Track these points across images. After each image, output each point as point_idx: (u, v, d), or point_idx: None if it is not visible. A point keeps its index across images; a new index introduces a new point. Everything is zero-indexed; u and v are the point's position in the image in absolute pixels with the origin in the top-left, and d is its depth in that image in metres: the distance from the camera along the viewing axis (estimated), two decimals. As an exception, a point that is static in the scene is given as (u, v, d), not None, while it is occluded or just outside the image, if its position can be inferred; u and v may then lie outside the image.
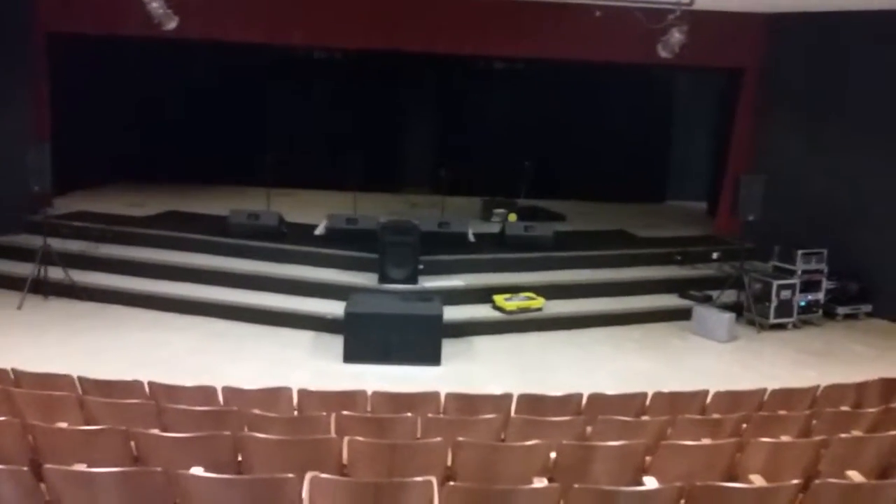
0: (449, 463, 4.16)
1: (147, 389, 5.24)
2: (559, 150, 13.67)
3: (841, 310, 10.01)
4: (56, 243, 9.40)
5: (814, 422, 5.02)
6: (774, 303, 9.47)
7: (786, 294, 9.53)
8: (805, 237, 9.92)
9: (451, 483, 3.63)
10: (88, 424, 4.49)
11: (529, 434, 4.48)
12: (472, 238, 10.53)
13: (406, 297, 8.56)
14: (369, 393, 5.33)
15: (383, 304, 8.28)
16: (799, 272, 9.64)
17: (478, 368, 7.97)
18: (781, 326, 9.57)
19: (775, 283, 9.48)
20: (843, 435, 4.47)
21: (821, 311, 9.88)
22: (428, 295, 8.69)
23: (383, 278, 9.10)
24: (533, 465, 4.14)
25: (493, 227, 11.15)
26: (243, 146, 12.54)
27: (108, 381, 5.24)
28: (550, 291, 9.47)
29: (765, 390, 5.69)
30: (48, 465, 3.54)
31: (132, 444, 4.10)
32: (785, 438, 4.64)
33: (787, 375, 7.80)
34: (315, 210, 11.19)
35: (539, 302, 9.21)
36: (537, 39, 10.65)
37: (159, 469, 3.57)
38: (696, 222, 12.68)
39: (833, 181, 10.48)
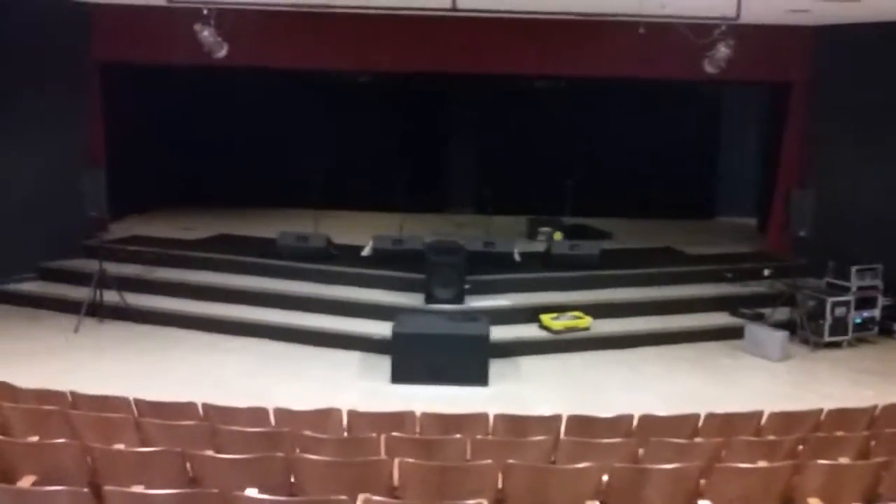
0: (500, 485, 4.14)
1: (201, 411, 5.33)
2: (604, 167, 13.61)
3: (898, 327, 9.76)
4: (111, 267, 9.64)
5: (872, 443, 4.90)
6: (829, 320, 9.26)
7: (840, 311, 9.31)
8: (860, 252, 9.69)
9: (503, 506, 3.63)
10: (145, 446, 4.58)
11: (580, 456, 4.44)
12: (517, 257, 10.52)
13: (453, 318, 8.56)
14: (418, 414, 5.35)
15: (430, 325, 8.30)
16: (854, 288, 9.41)
17: (526, 389, 7.93)
18: (836, 345, 9.34)
19: (829, 299, 9.27)
20: (903, 457, 4.35)
21: (877, 329, 9.63)
22: (474, 315, 8.69)
23: (430, 298, 9.13)
24: (584, 488, 4.10)
25: (539, 246, 11.13)
26: (290, 169, 12.74)
27: (162, 403, 5.35)
28: (598, 310, 9.41)
29: (821, 411, 5.56)
30: (108, 487, 3.62)
31: (188, 465, 4.17)
32: (843, 460, 4.53)
33: (844, 395, 7.61)
34: (361, 231, 11.28)
35: (586, 321, 9.15)
36: (580, 57, 10.67)
37: (215, 490, 3.63)
38: (746, 238, 12.49)
39: (888, 194, 10.25)
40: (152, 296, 9.81)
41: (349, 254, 10.52)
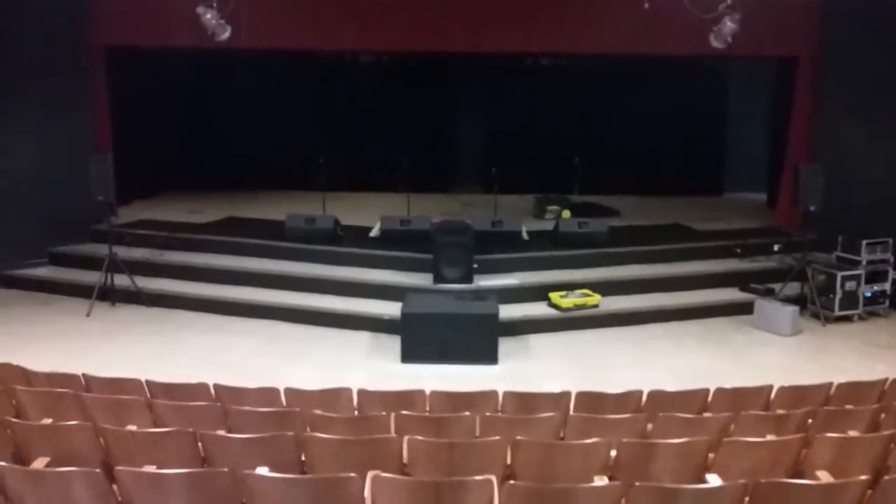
0: (508, 461, 4.17)
1: (212, 392, 5.37)
2: (612, 145, 13.57)
3: (908, 300, 9.72)
4: (121, 251, 9.70)
5: (882, 416, 4.90)
6: (839, 294, 9.23)
7: (851, 285, 9.28)
8: (869, 226, 9.63)
9: (511, 482, 3.65)
10: (157, 427, 4.63)
11: (589, 432, 4.46)
12: (525, 236, 10.51)
13: (461, 297, 8.58)
14: (427, 392, 5.37)
15: (439, 304, 8.32)
16: (864, 262, 9.37)
17: (535, 366, 7.95)
18: (847, 319, 9.32)
19: (839, 274, 9.23)
20: (913, 429, 4.35)
21: (887, 302, 9.58)
22: (483, 294, 8.70)
23: (438, 278, 9.15)
24: (593, 463, 4.12)
25: (547, 225, 11.10)
26: (297, 151, 12.72)
27: (174, 385, 5.38)
28: (606, 288, 9.40)
29: (831, 384, 5.56)
30: (120, 467, 3.66)
31: (199, 445, 4.21)
32: (852, 433, 4.54)
33: (854, 368, 7.61)
34: (369, 212, 11.30)
35: (595, 299, 9.15)
36: (585, 33, 10.58)
37: (226, 469, 3.66)
38: (755, 214, 12.44)
39: (897, 167, 10.19)
40: (162, 279, 9.86)
41: (357, 235, 10.54)
